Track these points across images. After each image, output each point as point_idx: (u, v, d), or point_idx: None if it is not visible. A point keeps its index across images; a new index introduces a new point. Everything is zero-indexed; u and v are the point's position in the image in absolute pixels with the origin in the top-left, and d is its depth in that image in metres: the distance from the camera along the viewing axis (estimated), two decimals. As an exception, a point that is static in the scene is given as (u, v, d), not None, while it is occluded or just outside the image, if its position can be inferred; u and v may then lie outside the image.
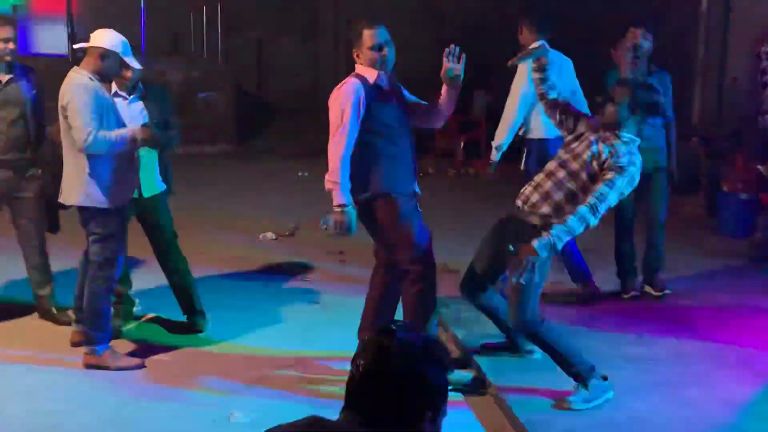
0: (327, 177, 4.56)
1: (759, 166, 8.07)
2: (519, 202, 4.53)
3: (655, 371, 4.85)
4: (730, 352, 5.14)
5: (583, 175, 4.37)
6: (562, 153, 4.55)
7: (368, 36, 4.60)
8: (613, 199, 4.29)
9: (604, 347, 5.05)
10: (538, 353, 4.85)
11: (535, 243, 4.21)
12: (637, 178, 4.37)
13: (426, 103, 4.86)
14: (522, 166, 6.10)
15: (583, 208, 4.23)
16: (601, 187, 4.26)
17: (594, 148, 4.39)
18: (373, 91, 4.58)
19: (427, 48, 14.03)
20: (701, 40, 10.34)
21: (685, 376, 4.79)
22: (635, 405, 4.41)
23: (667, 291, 6.15)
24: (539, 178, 4.54)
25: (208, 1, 13.17)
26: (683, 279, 6.57)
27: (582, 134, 4.54)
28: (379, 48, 4.60)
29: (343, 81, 4.65)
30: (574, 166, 4.42)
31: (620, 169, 4.28)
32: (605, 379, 4.43)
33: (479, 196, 9.67)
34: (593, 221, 4.25)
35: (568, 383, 4.44)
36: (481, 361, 4.95)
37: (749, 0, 9.56)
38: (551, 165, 4.54)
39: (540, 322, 4.46)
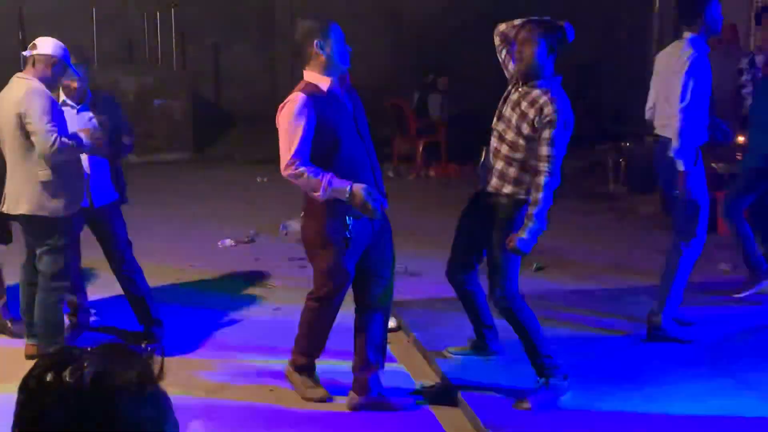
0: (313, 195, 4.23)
1: (713, 164, 8.12)
2: (480, 186, 4.55)
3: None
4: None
5: (521, 141, 4.35)
6: (496, 123, 4.51)
7: (338, 30, 4.26)
8: (561, 151, 4.29)
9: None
10: (502, 354, 4.87)
11: (521, 238, 4.23)
12: (571, 118, 4.32)
13: None
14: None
15: (542, 180, 4.24)
16: (544, 149, 4.26)
17: (518, 109, 4.34)
18: (325, 103, 4.20)
19: (385, 52, 14.08)
20: (654, 40, 10.46)
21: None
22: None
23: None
24: (490, 157, 4.53)
25: (161, 8, 13.03)
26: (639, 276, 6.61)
27: (508, 96, 4.51)
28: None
29: (290, 96, 4.25)
30: (510, 136, 4.39)
31: (550, 123, 4.26)
32: (565, 378, 4.44)
33: (440, 200, 9.66)
34: (557, 182, 4.28)
35: (529, 383, 4.44)
36: (444, 362, 4.95)
37: None
38: (494, 141, 4.52)
39: (516, 297, 4.44)
